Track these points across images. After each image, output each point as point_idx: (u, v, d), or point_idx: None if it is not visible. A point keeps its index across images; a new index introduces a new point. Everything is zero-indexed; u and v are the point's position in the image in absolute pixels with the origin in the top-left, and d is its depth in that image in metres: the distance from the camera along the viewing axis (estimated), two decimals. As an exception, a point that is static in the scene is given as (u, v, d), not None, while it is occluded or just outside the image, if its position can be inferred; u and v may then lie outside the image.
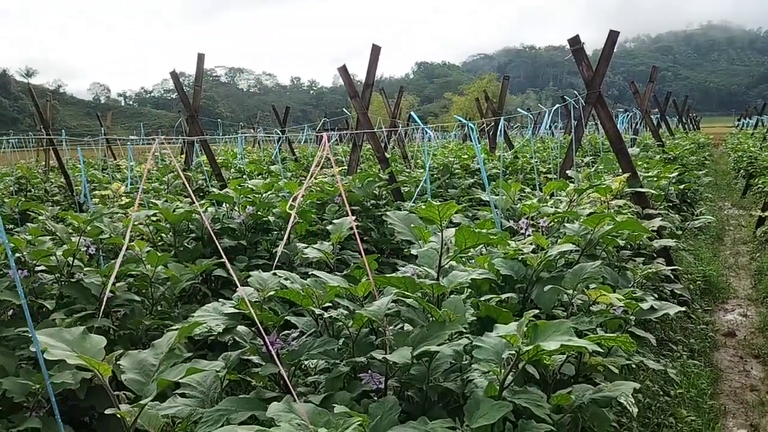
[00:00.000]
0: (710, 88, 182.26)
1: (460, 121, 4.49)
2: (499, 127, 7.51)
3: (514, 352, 1.65)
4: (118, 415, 1.45)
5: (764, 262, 8.03)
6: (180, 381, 2.02)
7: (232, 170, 9.79)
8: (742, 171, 17.12)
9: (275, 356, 1.99)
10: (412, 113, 6.52)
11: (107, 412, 1.46)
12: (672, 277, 5.36)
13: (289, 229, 2.23)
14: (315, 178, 8.58)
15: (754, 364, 5.11)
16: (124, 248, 1.84)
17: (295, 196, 2.12)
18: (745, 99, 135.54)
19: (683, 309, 3.35)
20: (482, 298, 2.57)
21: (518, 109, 8.54)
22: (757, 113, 30.66)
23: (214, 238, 2.10)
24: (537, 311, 2.76)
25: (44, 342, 1.49)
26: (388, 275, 2.27)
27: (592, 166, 8.21)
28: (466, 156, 10.66)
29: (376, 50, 7.01)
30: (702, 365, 4.87)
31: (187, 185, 2.18)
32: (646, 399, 4.04)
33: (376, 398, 2.06)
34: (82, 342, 1.56)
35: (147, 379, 1.59)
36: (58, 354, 1.45)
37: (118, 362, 1.61)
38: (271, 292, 2.22)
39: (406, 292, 2.12)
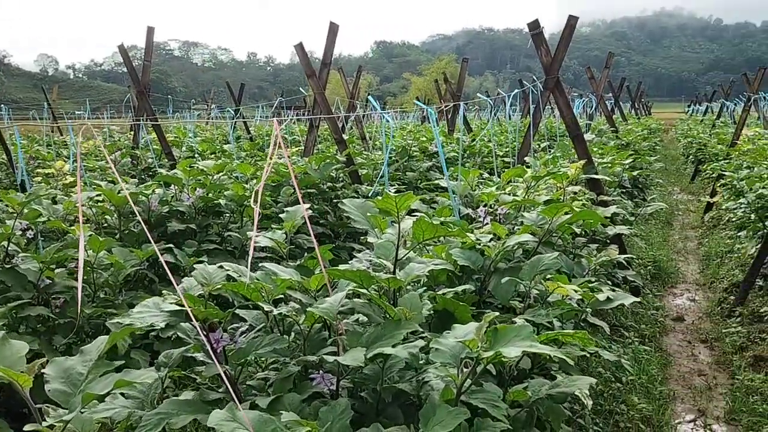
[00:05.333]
0: (662, 74, 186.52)
1: (420, 106, 4.40)
2: (460, 112, 7.44)
3: (473, 356, 1.58)
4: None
5: (712, 247, 8.24)
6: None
7: (184, 149, 9.48)
8: (691, 157, 17.56)
9: (220, 356, 1.88)
10: (369, 97, 6.38)
11: (26, 429, 1.33)
12: (624, 263, 5.42)
13: (255, 223, 2.10)
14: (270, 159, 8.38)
15: (701, 348, 5.23)
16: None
17: (258, 190, 2.00)
18: (695, 85, 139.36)
19: (638, 299, 3.37)
20: (440, 291, 2.50)
21: (478, 94, 8.51)
22: (707, 100, 31.47)
23: (143, 226, 1.96)
24: (495, 308, 2.71)
25: (-44, 350, 1.35)
26: (342, 268, 2.17)
27: (549, 151, 8.25)
28: (424, 138, 10.59)
29: (334, 28, 6.83)
30: (652, 350, 4.95)
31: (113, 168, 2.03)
32: (599, 386, 4.08)
33: (328, 398, 1.97)
34: (0, 349, 1.42)
35: (74, 390, 1.46)
36: (-30, 363, 1.32)
37: (43, 370, 1.48)
38: (217, 287, 2.10)
39: (361, 288, 2.03)
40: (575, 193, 4.95)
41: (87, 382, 1.47)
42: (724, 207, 8.19)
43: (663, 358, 4.92)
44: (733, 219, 7.53)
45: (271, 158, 2.12)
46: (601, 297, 2.88)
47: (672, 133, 31.26)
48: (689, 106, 41.67)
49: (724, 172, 8.53)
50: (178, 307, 1.88)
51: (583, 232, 4.65)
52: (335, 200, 6.35)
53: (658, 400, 4.15)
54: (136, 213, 2.15)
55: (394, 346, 1.73)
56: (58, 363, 1.55)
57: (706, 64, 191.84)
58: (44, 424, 1.32)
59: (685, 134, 21.36)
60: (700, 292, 6.79)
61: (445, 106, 10.74)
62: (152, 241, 2.00)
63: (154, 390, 1.92)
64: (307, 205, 2.59)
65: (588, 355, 3.80)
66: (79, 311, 2.47)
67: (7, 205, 4.27)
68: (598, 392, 4.03)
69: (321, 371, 1.93)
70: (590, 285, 3.07)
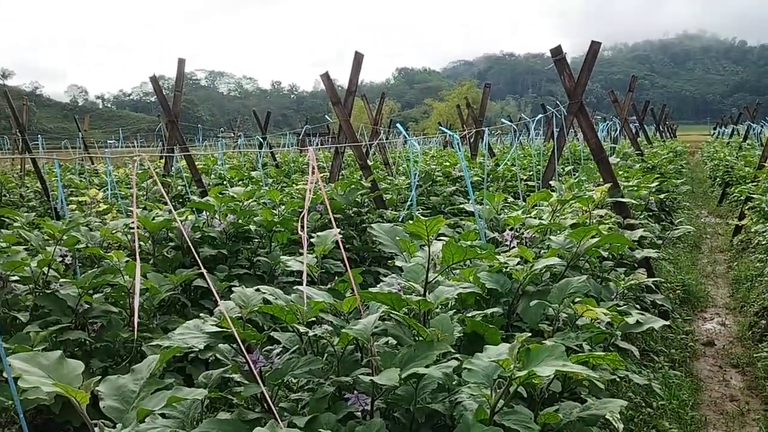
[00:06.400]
0: (686, 97, 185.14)
1: (444, 132, 4.48)
2: (485, 138, 7.49)
3: (506, 375, 1.62)
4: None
5: (741, 271, 8.12)
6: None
7: (213, 176, 9.68)
8: (718, 179, 17.36)
9: (258, 376, 1.94)
10: (398, 125, 6.48)
11: (84, 442, 1.40)
12: (653, 287, 5.39)
13: (305, 247, 2.17)
14: (296, 185, 8.51)
15: (733, 373, 5.15)
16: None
17: (303, 215, 2.08)
18: (720, 108, 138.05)
19: (667, 323, 3.35)
20: (468, 314, 2.54)
21: (501, 120, 8.58)
22: (733, 122, 31.16)
23: (193, 249, 2.04)
24: (523, 331, 2.73)
25: (19, 367, 1.43)
26: (374, 291, 2.23)
27: (573, 175, 8.26)
28: (447, 163, 10.67)
29: (359, 57, 6.98)
30: (683, 375, 4.89)
31: (165, 195, 2.13)
32: (629, 411, 4.04)
33: (361, 418, 2.01)
34: (58, 367, 1.50)
35: (126, 407, 1.53)
36: (32, 380, 1.39)
37: (96, 388, 1.55)
38: (254, 309, 2.17)
39: (393, 310, 2.08)
40: (601, 216, 4.96)
41: (139, 399, 1.54)
42: (753, 230, 8.08)
43: (694, 383, 4.86)
44: (763, 242, 7.43)
45: (311, 183, 2.20)
46: (631, 320, 2.89)
47: (698, 155, 30.95)
48: (715, 129, 41.25)
49: (752, 195, 8.44)
50: (219, 329, 1.95)
51: (611, 256, 4.65)
52: (361, 225, 6.44)
53: (689, 426, 4.10)
54: (186, 238, 2.23)
55: (427, 367, 1.77)
56: (111, 381, 1.62)
57: (731, 86, 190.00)
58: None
59: (711, 156, 21.17)
60: (730, 316, 6.69)
61: (468, 132, 10.84)
62: (200, 264, 2.08)
63: (194, 410, 1.99)
64: (338, 230, 2.66)
65: (618, 380, 3.79)
66: (135, 332, 2.56)
67: (44, 232, 4.43)
68: (628, 417, 4.00)
69: (355, 392, 1.98)
70: (619, 308, 3.09)
